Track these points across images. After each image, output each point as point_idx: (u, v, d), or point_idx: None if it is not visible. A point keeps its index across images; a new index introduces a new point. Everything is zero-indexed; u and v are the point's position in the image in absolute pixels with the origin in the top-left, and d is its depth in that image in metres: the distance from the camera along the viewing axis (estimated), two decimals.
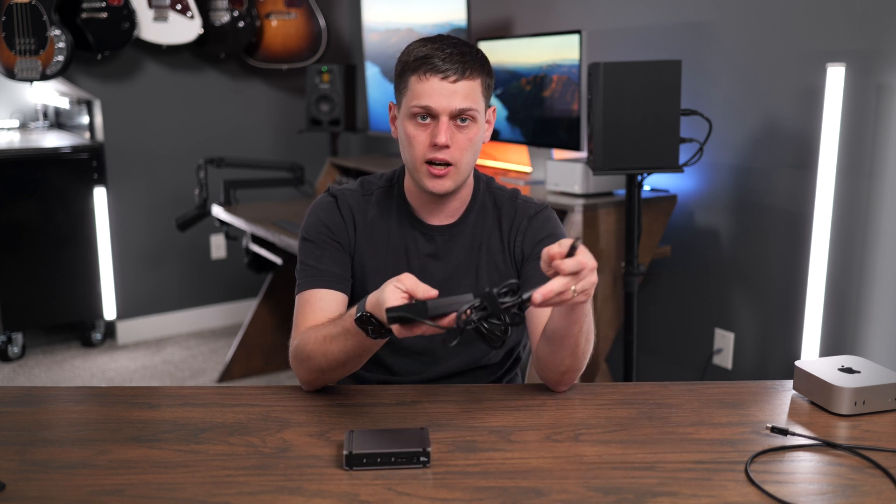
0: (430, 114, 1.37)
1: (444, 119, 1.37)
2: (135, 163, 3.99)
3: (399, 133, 1.44)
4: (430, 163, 1.39)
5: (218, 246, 4.29)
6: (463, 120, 1.38)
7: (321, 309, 1.41)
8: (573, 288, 1.11)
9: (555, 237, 1.47)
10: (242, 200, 3.65)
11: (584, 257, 1.12)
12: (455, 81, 1.36)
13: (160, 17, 3.73)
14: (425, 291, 1.14)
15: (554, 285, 1.10)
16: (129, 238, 4.03)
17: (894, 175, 2.25)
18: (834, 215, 2.34)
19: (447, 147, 1.37)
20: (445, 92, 1.36)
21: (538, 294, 1.10)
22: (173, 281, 4.20)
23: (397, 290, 1.15)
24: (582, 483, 1.07)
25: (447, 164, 1.39)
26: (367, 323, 1.19)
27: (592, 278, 1.14)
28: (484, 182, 1.54)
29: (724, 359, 2.77)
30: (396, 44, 3.66)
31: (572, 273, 1.11)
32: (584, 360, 1.34)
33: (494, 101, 3.10)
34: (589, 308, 1.27)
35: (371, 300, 1.19)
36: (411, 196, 1.50)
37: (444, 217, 1.50)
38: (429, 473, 1.10)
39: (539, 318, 1.40)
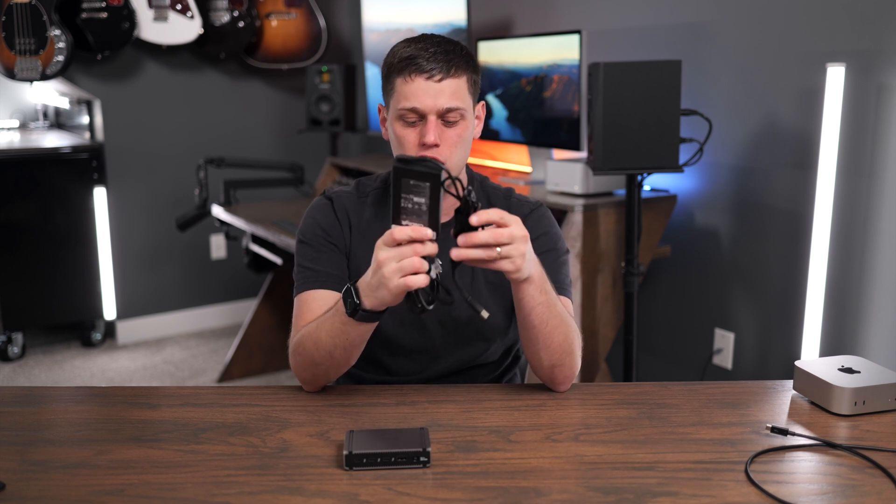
0: (417, 114, 1.37)
1: (432, 118, 1.37)
2: (135, 163, 3.99)
3: (389, 134, 1.44)
4: None
5: (218, 246, 4.29)
6: (451, 118, 1.38)
7: (321, 309, 1.40)
8: (498, 249, 1.14)
9: (549, 235, 1.48)
10: (242, 200, 3.66)
11: (513, 229, 1.15)
12: (440, 80, 1.36)
13: (160, 17, 3.73)
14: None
15: (477, 237, 1.14)
16: (129, 238, 4.03)
17: (894, 175, 2.25)
18: (834, 215, 2.34)
19: (436, 146, 1.37)
20: (431, 91, 1.36)
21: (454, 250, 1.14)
22: (173, 281, 4.20)
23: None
24: (582, 483, 1.07)
25: None
26: (348, 294, 1.23)
27: (521, 247, 1.16)
28: (478, 181, 1.54)
29: (724, 359, 2.77)
30: None
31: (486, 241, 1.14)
32: (569, 356, 1.34)
33: (495, 102, 3.12)
34: (552, 301, 1.28)
35: (364, 280, 1.22)
36: None
37: None
38: (429, 473, 1.10)
39: None
